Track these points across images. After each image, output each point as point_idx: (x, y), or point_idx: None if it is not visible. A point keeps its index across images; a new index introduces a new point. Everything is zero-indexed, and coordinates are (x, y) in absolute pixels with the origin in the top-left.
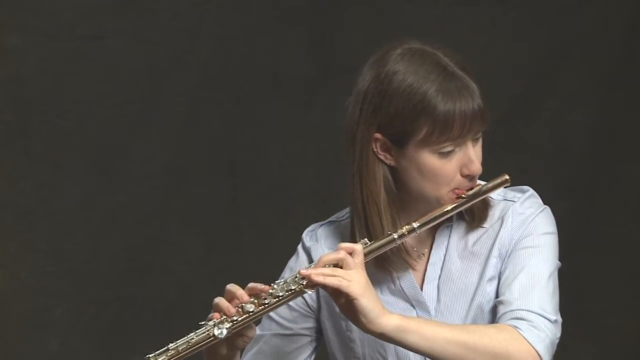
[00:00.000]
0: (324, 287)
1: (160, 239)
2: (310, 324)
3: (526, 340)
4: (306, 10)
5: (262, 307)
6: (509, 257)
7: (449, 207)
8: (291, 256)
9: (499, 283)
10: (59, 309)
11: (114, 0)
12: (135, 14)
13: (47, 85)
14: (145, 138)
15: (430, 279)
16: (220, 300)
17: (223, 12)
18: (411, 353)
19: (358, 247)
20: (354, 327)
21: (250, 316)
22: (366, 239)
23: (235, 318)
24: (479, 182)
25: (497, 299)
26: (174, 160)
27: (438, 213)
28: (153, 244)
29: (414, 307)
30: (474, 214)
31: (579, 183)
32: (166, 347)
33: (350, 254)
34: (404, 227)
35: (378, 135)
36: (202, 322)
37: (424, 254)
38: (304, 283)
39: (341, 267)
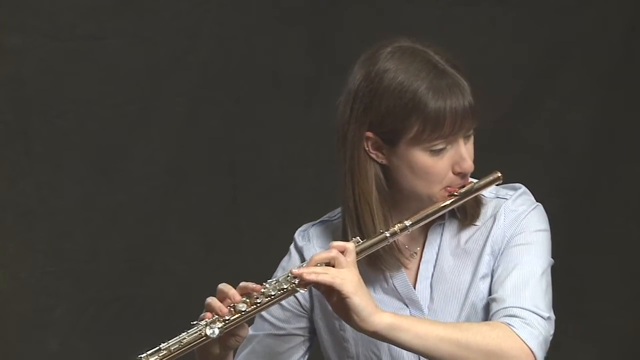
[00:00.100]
0: (317, 285)
1: (160, 239)
2: (304, 323)
3: (519, 337)
4: (306, 10)
5: (255, 306)
6: (501, 254)
7: (441, 205)
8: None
9: (491, 281)
10: (59, 309)
11: (114, 0)
12: (135, 14)
13: (47, 85)
14: (145, 138)
15: (423, 278)
16: (212, 300)
17: (223, 12)
18: (405, 352)
19: (350, 245)
20: (347, 327)
21: (242, 316)
22: (358, 238)
23: (227, 318)
24: (471, 179)
25: (490, 297)
26: (174, 160)
27: (430, 211)
28: (153, 244)
29: (407, 306)
30: (466, 212)
31: (579, 183)
32: (158, 347)
33: (343, 252)
34: (396, 225)
35: (369, 134)
36: (194, 322)
37: (416, 253)
38: (296, 282)
39: (333, 266)
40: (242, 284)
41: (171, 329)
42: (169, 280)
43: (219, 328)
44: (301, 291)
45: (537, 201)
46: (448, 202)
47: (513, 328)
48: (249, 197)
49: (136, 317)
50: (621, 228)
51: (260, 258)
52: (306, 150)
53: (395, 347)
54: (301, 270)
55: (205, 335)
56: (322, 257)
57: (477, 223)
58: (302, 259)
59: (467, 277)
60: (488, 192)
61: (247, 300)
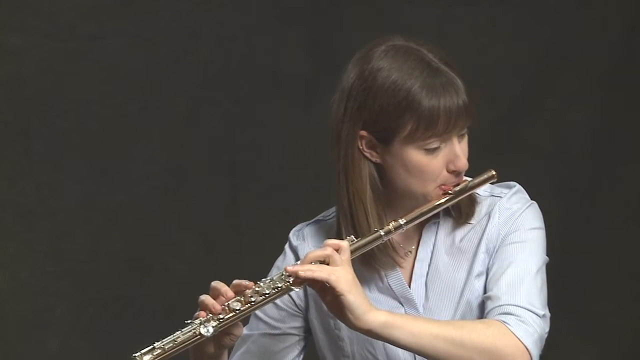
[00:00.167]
0: (312, 282)
1: (160, 239)
2: (299, 323)
3: (514, 335)
4: (306, 10)
5: (249, 305)
6: (496, 252)
7: (436, 203)
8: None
9: (486, 279)
10: (59, 309)
11: (114, 0)
12: (135, 14)
13: (47, 85)
14: (145, 138)
15: (418, 276)
16: (206, 298)
17: (223, 12)
18: (400, 350)
19: (344, 243)
20: (343, 326)
21: (236, 314)
22: (352, 236)
23: (221, 316)
24: (465, 178)
25: (485, 295)
26: (174, 160)
27: (425, 209)
28: (153, 244)
29: (402, 305)
30: (460, 211)
31: (579, 183)
32: (152, 346)
33: (337, 250)
34: (391, 224)
35: (363, 132)
36: (188, 321)
37: (411, 251)
38: (291, 280)
39: (327, 264)
40: (236, 281)
41: (171, 329)
42: (169, 280)
43: (213, 327)
44: (295, 289)
45: (537, 201)
46: (443, 200)
47: (508, 326)
48: (249, 197)
49: (136, 317)
50: (621, 228)
51: (260, 258)
52: (306, 150)
53: (391, 346)
54: (296, 268)
55: (200, 334)
56: (316, 255)
57: (471, 221)
58: (297, 259)
59: (462, 275)
60: (482, 191)
61: (242, 299)
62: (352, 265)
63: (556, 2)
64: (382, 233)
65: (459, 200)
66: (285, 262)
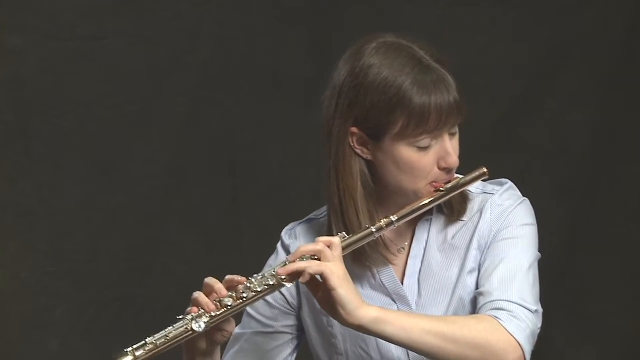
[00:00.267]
0: (304, 275)
1: (160, 239)
2: (291, 321)
3: (506, 330)
4: (306, 10)
5: (240, 301)
6: (488, 248)
7: (427, 200)
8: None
9: (478, 275)
10: (59, 309)
11: (114, 0)
12: (135, 14)
13: (47, 85)
14: (145, 138)
15: (411, 273)
16: (198, 295)
17: (223, 12)
18: (393, 347)
19: (336, 239)
20: (335, 323)
21: (228, 310)
22: (344, 233)
23: (213, 312)
24: (456, 175)
25: (477, 290)
26: (174, 160)
27: (416, 206)
28: (153, 244)
29: (395, 302)
30: (452, 208)
31: (579, 183)
32: (144, 341)
33: (328, 246)
34: (382, 220)
35: (354, 129)
36: (180, 316)
37: (403, 248)
38: (283, 277)
39: (319, 260)
40: (228, 277)
41: None
42: (169, 280)
43: (204, 322)
44: (287, 285)
45: (537, 201)
46: (434, 197)
47: (500, 321)
48: (249, 197)
49: (136, 317)
50: (621, 228)
51: (260, 258)
52: (306, 150)
53: (384, 343)
54: (289, 266)
55: (191, 329)
56: (308, 249)
57: (463, 218)
58: None
59: (454, 271)
60: (474, 188)
61: (233, 294)
62: (344, 263)
63: (556, 2)
64: (374, 229)
65: (450, 197)
66: (277, 261)
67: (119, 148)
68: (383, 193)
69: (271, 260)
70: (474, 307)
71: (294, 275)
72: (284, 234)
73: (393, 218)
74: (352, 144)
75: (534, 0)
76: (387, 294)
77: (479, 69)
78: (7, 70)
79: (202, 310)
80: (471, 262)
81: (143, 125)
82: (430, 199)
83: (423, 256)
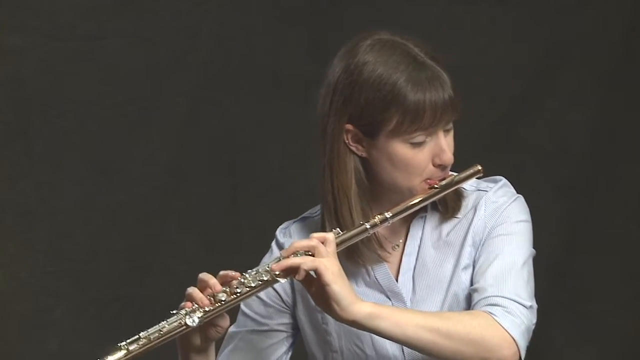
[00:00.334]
0: (298, 272)
1: (160, 239)
2: (286, 319)
3: (501, 325)
4: (306, 10)
5: (235, 296)
6: (482, 245)
7: (422, 197)
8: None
9: (473, 271)
10: (59, 309)
11: (114, 0)
12: (135, 14)
13: (47, 85)
14: (145, 138)
15: (405, 270)
16: (193, 290)
17: (223, 12)
18: (388, 344)
19: (330, 235)
20: (330, 320)
21: (222, 305)
22: (338, 229)
23: (207, 307)
24: (451, 173)
25: (472, 287)
26: (174, 160)
27: (410, 203)
28: (153, 244)
29: (390, 299)
30: (447, 205)
31: (578, 183)
32: (137, 336)
33: (323, 242)
34: (377, 217)
35: (349, 126)
36: (174, 311)
37: (398, 246)
38: (277, 272)
39: (312, 256)
40: (222, 272)
41: None
42: (169, 280)
43: (198, 317)
44: (281, 281)
45: (536, 201)
46: (428, 194)
47: (494, 317)
48: (249, 197)
49: (136, 317)
50: (621, 228)
51: (260, 258)
52: (306, 150)
53: (378, 340)
54: (281, 262)
55: (185, 324)
56: (302, 245)
57: (458, 215)
58: None
59: (449, 268)
60: (469, 185)
61: (227, 290)
62: (338, 261)
63: (556, 2)
64: (368, 226)
65: (445, 195)
66: (272, 259)
67: (119, 148)
68: (377, 191)
69: (266, 259)
70: (469, 303)
71: (288, 271)
72: (278, 232)
73: (387, 215)
74: (346, 142)
75: (534, 0)
76: (382, 291)
77: (479, 69)
78: (7, 70)
79: (196, 306)
80: (466, 259)
81: (143, 125)
82: (425, 196)
83: (418, 253)
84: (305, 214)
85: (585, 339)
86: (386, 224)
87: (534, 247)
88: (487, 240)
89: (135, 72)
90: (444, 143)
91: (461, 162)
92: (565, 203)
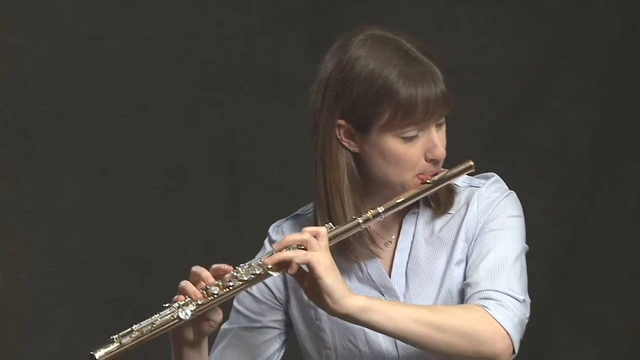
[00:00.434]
0: (290, 264)
1: (160, 239)
2: (279, 316)
3: (494, 319)
4: (306, 10)
5: (227, 289)
6: (475, 240)
7: (414, 192)
8: None
9: (466, 266)
10: (59, 309)
11: (114, 0)
12: (135, 14)
13: (47, 85)
14: (145, 138)
15: (398, 266)
16: (185, 284)
17: (223, 12)
18: (381, 340)
19: (322, 229)
20: (323, 317)
21: (215, 299)
22: (331, 224)
23: (200, 300)
24: (443, 169)
25: (465, 282)
26: (174, 160)
27: (403, 198)
28: (153, 244)
29: (383, 295)
30: (439, 201)
31: (578, 183)
32: (130, 329)
33: (315, 236)
34: (369, 212)
35: (341, 121)
36: (167, 305)
37: (390, 242)
38: (269, 266)
39: (305, 249)
40: (215, 265)
41: None
42: (169, 280)
43: (191, 311)
44: (274, 275)
45: (536, 201)
46: (421, 189)
47: (488, 310)
48: (249, 197)
49: (136, 317)
50: (621, 228)
51: None
52: (306, 150)
53: (372, 336)
54: (274, 256)
55: (178, 317)
56: (294, 239)
57: (450, 211)
58: None
59: (442, 264)
60: (461, 182)
61: (220, 283)
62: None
63: (556, 2)
64: (361, 221)
65: (437, 191)
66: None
67: (119, 148)
68: (370, 186)
69: (259, 256)
70: (462, 298)
71: (281, 265)
72: (271, 230)
73: (380, 209)
74: (339, 137)
75: (534, 0)
76: (375, 287)
77: (479, 69)
78: (7, 70)
79: (189, 299)
80: (459, 254)
81: (143, 125)
82: (417, 191)
83: (410, 249)
84: (297, 212)
85: (585, 339)
86: (379, 218)
87: (534, 247)
88: (480, 235)
89: (135, 72)
90: (436, 138)
91: (460, 162)
92: (565, 203)
